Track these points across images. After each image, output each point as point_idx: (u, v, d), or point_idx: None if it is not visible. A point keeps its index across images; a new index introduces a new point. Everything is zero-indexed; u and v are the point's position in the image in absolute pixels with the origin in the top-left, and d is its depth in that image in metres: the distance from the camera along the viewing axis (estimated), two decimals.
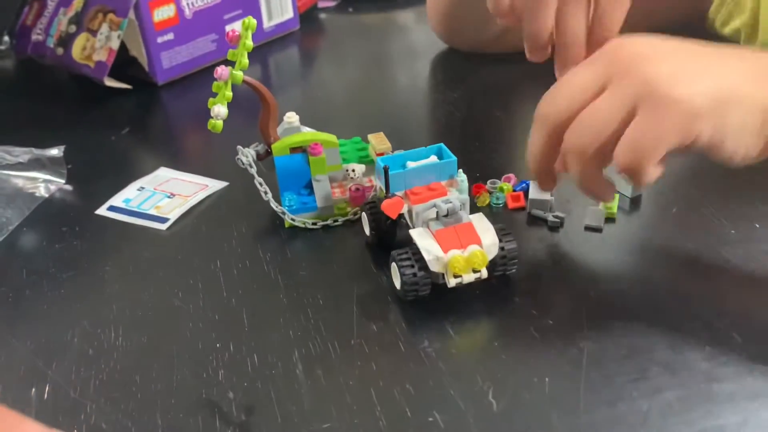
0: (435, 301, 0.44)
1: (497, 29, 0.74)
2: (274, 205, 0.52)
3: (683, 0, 0.74)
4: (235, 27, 0.50)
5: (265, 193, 0.52)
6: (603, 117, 0.40)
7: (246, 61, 0.50)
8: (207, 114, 0.49)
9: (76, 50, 0.75)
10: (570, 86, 0.42)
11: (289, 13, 0.89)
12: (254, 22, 0.50)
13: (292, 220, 0.52)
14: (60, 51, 0.76)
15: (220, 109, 0.50)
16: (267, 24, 0.86)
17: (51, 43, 0.77)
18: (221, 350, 0.42)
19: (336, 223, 0.52)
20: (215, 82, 0.50)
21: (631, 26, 0.73)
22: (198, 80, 0.79)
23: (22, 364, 0.42)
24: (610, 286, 0.45)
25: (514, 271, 0.45)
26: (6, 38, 0.86)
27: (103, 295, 0.47)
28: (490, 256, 0.43)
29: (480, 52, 0.78)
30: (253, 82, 0.51)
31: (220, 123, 0.50)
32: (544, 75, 0.69)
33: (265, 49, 0.87)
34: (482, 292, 0.45)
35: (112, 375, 0.41)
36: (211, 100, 0.50)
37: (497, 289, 0.45)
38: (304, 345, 0.41)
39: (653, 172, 0.40)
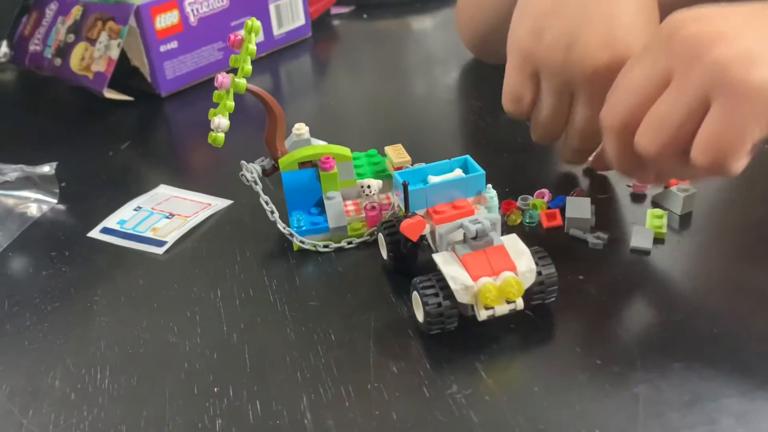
0: (463, 337, 0.38)
1: None
2: (281, 225, 0.47)
3: None
4: (239, 31, 0.46)
5: (272, 212, 0.47)
6: (671, 116, 0.34)
7: (249, 67, 0.45)
8: (210, 127, 0.44)
9: (74, 60, 0.71)
10: (629, 87, 0.37)
11: (300, 20, 0.84)
12: (258, 24, 0.45)
13: (301, 242, 0.46)
14: (58, 62, 0.72)
15: (221, 121, 0.45)
16: (277, 31, 0.82)
17: (49, 53, 0.73)
18: (219, 395, 0.36)
19: (350, 246, 0.47)
20: (216, 92, 0.46)
21: None
22: (203, 91, 0.75)
23: None
24: (665, 318, 0.39)
25: (553, 300, 0.40)
26: (6, 50, 0.83)
27: (90, 330, 0.42)
28: (526, 284, 0.38)
29: None
30: (257, 90, 0.47)
31: (221, 136, 0.45)
32: None
33: (275, 57, 0.82)
34: (517, 326, 0.39)
35: (95, 425, 0.35)
36: (211, 111, 0.46)
37: (534, 322, 0.39)
38: (313, 389, 0.36)
39: (739, 165, 0.34)
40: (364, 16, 0.94)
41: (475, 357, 0.37)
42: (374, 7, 0.95)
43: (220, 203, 0.53)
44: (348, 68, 0.82)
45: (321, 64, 0.85)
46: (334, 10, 0.93)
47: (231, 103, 0.45)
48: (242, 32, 0.45)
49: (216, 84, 0.45)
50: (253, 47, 0.45)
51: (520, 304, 0.38)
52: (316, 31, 0.87)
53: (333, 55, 0.87)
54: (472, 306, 0.38)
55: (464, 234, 0.39)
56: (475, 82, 0.73)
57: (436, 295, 0.38)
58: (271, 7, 0.80)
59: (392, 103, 0.71)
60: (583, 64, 0.43)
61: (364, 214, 0.48)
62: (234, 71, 0.45)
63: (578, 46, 0.43)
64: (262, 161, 0.49)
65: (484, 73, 0.73)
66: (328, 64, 0.86)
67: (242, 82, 0.45)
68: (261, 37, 0.80)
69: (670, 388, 0.34)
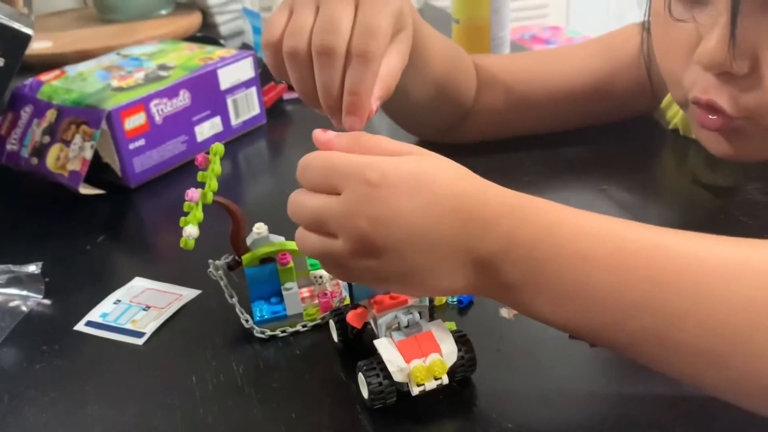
0: (402, 408, 0.47)
1: (447, 122, 0.78)
2: (243, 320, 0.54)
3: (634, 97, 0.78)
4: (207, 151, 0.54)
5: (234, 306, 0.55)
6: None
7: (215, 184, 0.53)
8: (179, 212, 0.52)
9: (50, 160, 0.78)
10: None
11: (255, 110, 0.93)
12: (221, 147, 0.54)
13: (261, 333, 0.54)
14: (35, 161, 0.79)
15: (191, 230, 0.53)
16: (235, 121, 0.90)
17: (26, 153, 0.80)
18: None
19: (305, 329, 0.55)
20: (186, 202, 0.53)
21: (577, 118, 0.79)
22: (169, 180, 0.82)
23: None
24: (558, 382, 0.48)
25: (473, 372, 0.48)
26: None
27: (85, 418, 0.49)
28: (450, 363, 0.46)
29: (444, 141, 0.82)
30: (223, 201, 0.55)
31: (192, 242, 0.53)
32: (508, 165, 0.74)
33: (234, 144, 0.91)
34: (446, 397, 0.47)
35: None
36: (182, 219, 0.53)
37: (459, 392, 0.48)
38: None
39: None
40: None
41: (412, 425, 0.45)
42: None
43: (190, 293, 0.61)
44: (301, 148, 0.90)
45: (276, 147, 0.94)
46: (287, 96, 1.02)
47: (200, 214, 0.53)
48: (209, 153, 0.54)
49: (186, 198, 0.53)
50: (218, 168, 0.53)
51: (445, 379, 0.46)
52: (270, 118, 0.96)
53: (287, 138, 0.96)
54: (407, 383, 0.46)
55: (398, 323, 0.48)
56: None
57: (378, 375, 0.46)
58: (229, 101, 0.89)
59: None
60: None
61: (317, 301, 0.56)
62: (202, 185, 0.54)
63: None
64: (227, 258, 0.57)
65: None
66: (284, 146, 0.94)
67: (210, 195, 0.53)
68: (220, 128, 0.88)
69: None
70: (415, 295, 0.48)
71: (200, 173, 0.54)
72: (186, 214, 0.53)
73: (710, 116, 0.56)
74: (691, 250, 0.40)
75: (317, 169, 0.45)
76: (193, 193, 0.53)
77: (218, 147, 0.54)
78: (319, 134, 0.47)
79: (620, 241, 0.41)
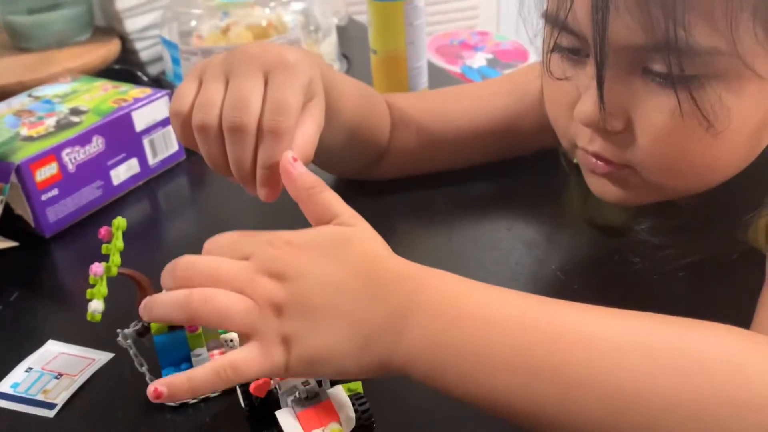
0: None
1: (363, 163, 0.80)
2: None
3: (540, 134, 0.81)
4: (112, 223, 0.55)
5: (144, 375, 0.56)
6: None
7: (119, 258, 0.54)
8: (97, 258, 0.53)
9: None
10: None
11: (174, 147, 0.93)
12: (123, 222, 0.55)
13: (173, 403, 0.55)
14: None
15: (96, 305, 0.53)
16: (152, 161, 0.90)
17: None
18: None
19: (216, 395, 0.56)
20: (91, 276, 0.54)
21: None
22: (86, 226, 0.82)
23: None
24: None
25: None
26: None
27: None
28: (348, 429, 0.49)
29: (361, 179, 0.83)
30: (127, 272, 0.56)
31: (98, 315, 0.54)
32: (420, 204, 0.76)
33: (152, 183, 0.91)
34: None
35: None
36: (89, 291, 0.54)
37: None
38: None
39: None
40: None
41: None
42: None
43: (103, 357, 0.61)
44: (222, 182, 0.90)
45: (196, 182, 0.94)
46: None
47: (105, 290, 0.54)
48: (111, 228, 0.55)
49: (91, 273, 0.54)
50: (120, 243, 0.54)
51: None
52: (191, 153, 0.96)
53: (208, 172, 0.95)
54: None
55: (298, 393, 0.50)
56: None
57: None
58: (145, 142, 0.88)
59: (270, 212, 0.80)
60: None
61: None
62: (106, 258, 0.54)
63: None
64: (136, 325, 0.58)
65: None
66: (204, 180, 0.94)
67: (114, 268, 0.54)
68: (137, 169, 0.88)
69: None
70: (314, 375, 0.49)
71: (104, 245, 0.55)
72: (92, 285, 0.54)
73: (597, 161, 0.60)
74: (582, 322, 0.43)
75: (223, 246, 0.48)
76: (96, 268, 0.54)
77: (120, 222, 0.54)
78: (287, 163, 0.50)
79: (521, 308, 0.44)
